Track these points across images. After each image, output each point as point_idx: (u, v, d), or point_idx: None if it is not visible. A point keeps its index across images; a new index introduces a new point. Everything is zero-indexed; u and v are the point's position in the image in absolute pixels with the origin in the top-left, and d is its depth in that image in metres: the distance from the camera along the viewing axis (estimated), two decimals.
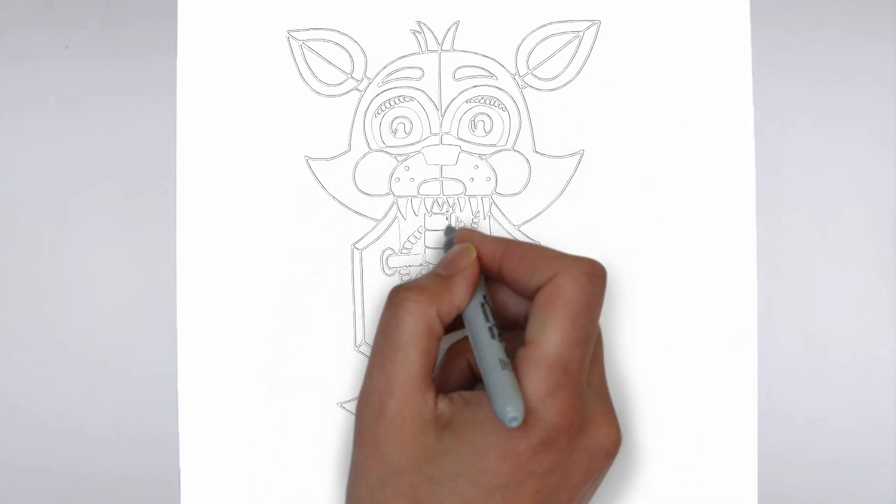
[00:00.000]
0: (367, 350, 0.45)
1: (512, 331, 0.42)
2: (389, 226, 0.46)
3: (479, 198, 0.46)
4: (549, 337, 0.38)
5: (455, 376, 0.42)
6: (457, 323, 0.41)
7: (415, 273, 0.45)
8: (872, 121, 0.46)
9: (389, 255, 0.45)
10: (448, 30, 0.46)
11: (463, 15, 0.46)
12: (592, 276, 0.39)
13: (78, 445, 0.46)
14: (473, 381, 0.42)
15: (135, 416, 0.46)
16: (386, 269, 0.45)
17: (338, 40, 0.46)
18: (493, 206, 0.45)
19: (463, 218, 0.45)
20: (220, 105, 0.46)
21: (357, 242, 0.46)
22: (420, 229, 0.45)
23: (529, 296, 0.40)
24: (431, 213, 0.46)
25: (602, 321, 0.45)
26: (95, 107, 0.46)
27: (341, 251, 0.46)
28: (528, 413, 0.37)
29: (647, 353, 0.45)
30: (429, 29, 0.46)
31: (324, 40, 0.46)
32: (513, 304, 0.42)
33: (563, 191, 0.46)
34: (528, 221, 0.45)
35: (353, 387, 0.45)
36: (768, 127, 0.46)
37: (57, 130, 0.46)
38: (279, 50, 0.46)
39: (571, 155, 0.46)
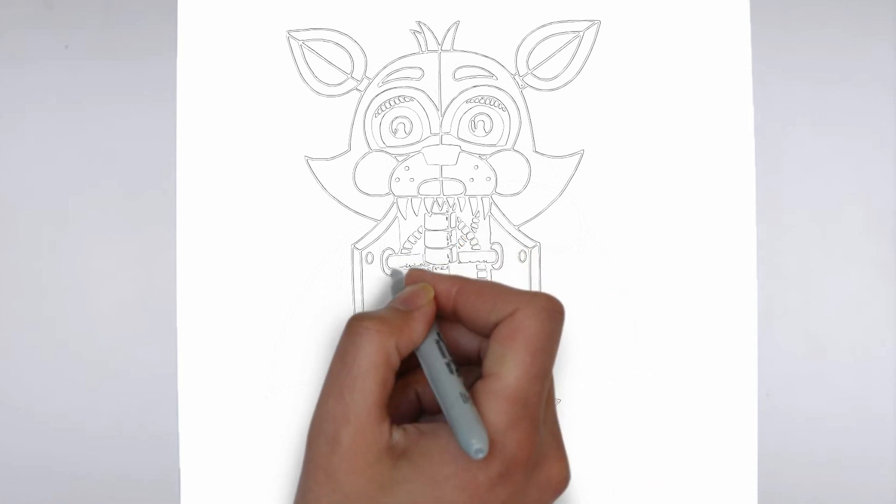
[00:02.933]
0: None
1: (463, 367, 0.42)
2: (389, 226, 0.46)
3: (479, 198, 0.46)
4: (510, 370, 0.38)
5: (404, 407, 0.42)
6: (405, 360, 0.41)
7: None
8: (872, 121, 0.46)
9: (389, 255, 0.45)
10: (448, 30, 0.46)
11: (463, 15, 0.46)
12: (552, 312, 0.40)
13: (78, 445, 0.46)
14: (420, 413, 0.43)
15: (135, 416, 0.46)
16: (386, 269, 0.45)
17: (338, 40, 0.46)
18: (493, 206, 0.45)
19: (463, 218, 0.45)
20: (220, 105, 0.46)
21: (357, 242, 0.46)
22: (420, 229, 0.45)
23: (485, 332, 0.40)
24: (431, 213, 0.46)
25: (602, 321, 0.45)
26: (95, 107, 0.46)
27: (341, 251, 0.46)
28: (489, 445, 0.38)
29: (647, 353, 0.45)
30: (429, 29, 0.46)
31: (324, 40, 0.46)
32: (465, 341, 0.42)
33: (563, 191, 0.46)
34: (528, 221, 0.45)
35: None
36: (768, 127, 0.46)
37: (57, 130, 0.46)
38: (279, 50, 0.46)
39: (571, 155, 0.46)
